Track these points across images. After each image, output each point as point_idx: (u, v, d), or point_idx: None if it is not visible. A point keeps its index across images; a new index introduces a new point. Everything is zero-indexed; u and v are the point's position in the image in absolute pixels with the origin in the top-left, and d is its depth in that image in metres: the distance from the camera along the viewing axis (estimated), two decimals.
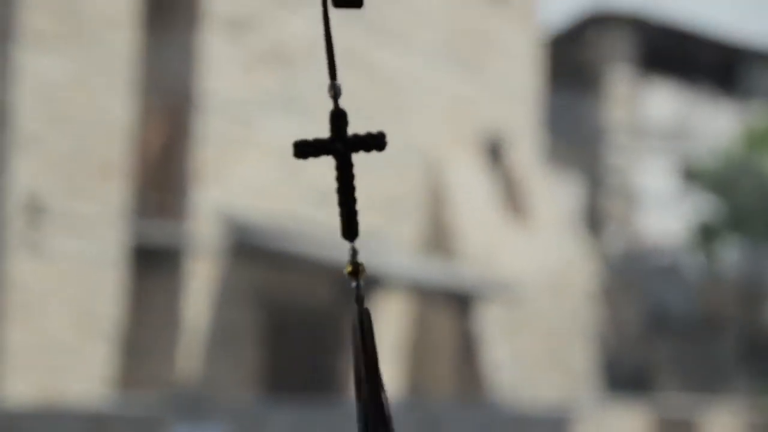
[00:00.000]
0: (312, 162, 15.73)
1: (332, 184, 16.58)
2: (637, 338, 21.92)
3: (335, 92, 1.43)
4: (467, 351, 17.04)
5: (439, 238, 17.80)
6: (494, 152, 19.47)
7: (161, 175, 14.57)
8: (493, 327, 17.43)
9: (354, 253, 1.46)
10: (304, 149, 1.44)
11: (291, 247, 14.59)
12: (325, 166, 16.05)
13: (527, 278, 18.46)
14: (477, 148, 19.00)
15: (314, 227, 15.50)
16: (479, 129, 19.03)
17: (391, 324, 16.89)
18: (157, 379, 13.98)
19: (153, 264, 14.24)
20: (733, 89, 29.31)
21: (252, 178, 15.14)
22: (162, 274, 14.32)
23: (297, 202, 15.40)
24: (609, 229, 26.97)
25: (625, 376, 21.11)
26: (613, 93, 28.32)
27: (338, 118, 1.44)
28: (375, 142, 1.44)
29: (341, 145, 1.44)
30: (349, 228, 1.45)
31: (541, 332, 18.60)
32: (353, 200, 1.44)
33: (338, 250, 15.14)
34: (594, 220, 26.99)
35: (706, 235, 22.89)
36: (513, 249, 18.75)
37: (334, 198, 16.12)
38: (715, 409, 17.35)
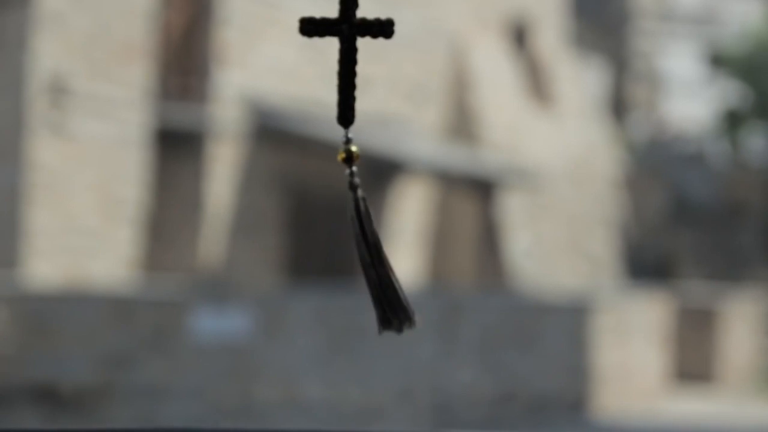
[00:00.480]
0: (334, 43, 15.53)
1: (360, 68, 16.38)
2: (660, 226, 21.87)
3: None
4: (489, 238, 17.04)
5: (462, 123, 17.67)
6: (519, 37, 19.22)
7: (184, 57, 14.43)
8: (515, 214, 17.40)
9: (348, 139, 1.43)
10: (310, 27, 1.41)
11: (315, 131, 14.51)
12: None
13: (550, 165, 18.37)
14: (501, 32, 18.75)
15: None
16: (504, 13, 18.76)
17: (414, 210, 16.87)
18: (181, 263, 14.04)
19: (176, 147, 14.20)
20: None
21: (276, 60, 14.99)
22: (185, 158, 14.28)
23: (322, 86, 15.27)
24: (634, 116, 26.78)
25: (647, 265, 21.11)
26: None
27: (348, 0, 1.41)
28: (382, 28, 1.40)
29: (347, 27, 1.41)
30: (345, 114, 1.42)
31: (564, 219, 18.56)
32: (353, 86, 1.42)
33: (361, 135, 15.05)
34: (619, 106, 26.79)
35: (732, 122, 22.67)
36: (537, 135, 18.63)
37: (359, 81, 15.97)
38: (735, 297, 17.37)
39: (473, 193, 17.12)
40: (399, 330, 1.46)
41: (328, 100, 12.97)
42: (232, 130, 14.43)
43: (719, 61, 25.38)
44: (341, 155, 1.42)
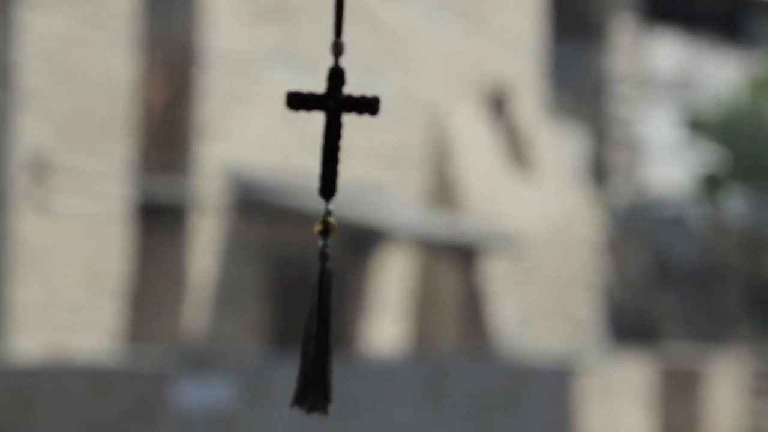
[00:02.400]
0: (315, 115, 15.70)
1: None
2: (642, 288, 21.98)
3: (338, 50, 1.43)
4: (472, 305, 17.11)
5: (442, 191, 17.81)
6: (498, 104, 19.44)
7: (165, 131, 14.57)
8: (497, 280, 17.48)
9: (327, 212, 1.45)
10: (297, 101, 1.43)
11: (298, 202, 14.62)
12: None
13: (532, 230, 18.49)
14: (480, 100, 18.97)
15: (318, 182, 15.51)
16: (482, 80, 18.99)
17: (396, 277, 16.94)
18: (164, 335, 14.06)
19: (158, 220, 14.28)
20: (738, 38, 29.12)
21: (257, 133, 15.14)
22: (167, 231, 14.36)
23: (303, 157, 15.41)
24: (614, 180, 26.95)
25: (630, 326, 21.19)
26: (617, 42, 28.16)
27: (335, 76, 1.44)
28: (368, 105, 1.43)
29: (333, 103, 1.43)
30: (327, 187, 1.44)
31: (546, 284, 18.65)
32: (336, 160, 1.43)
33: (342, 205, 15.16)
34: (599, 171, 26.92)
35: (711, 185, 22.87)
36: (517, 201, 18.77)
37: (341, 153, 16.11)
38: (720, 358, 17.43)
39: (456, 260, 17.21)
40: (309, 410, 1.46)
41: (310, 170, 13.17)
42: (214, 202, 14.53)
43: (697, 126, 25.58)
44: (317, 227, 1.45)
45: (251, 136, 15.07)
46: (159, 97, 14.46)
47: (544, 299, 18.53)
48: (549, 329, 18.45)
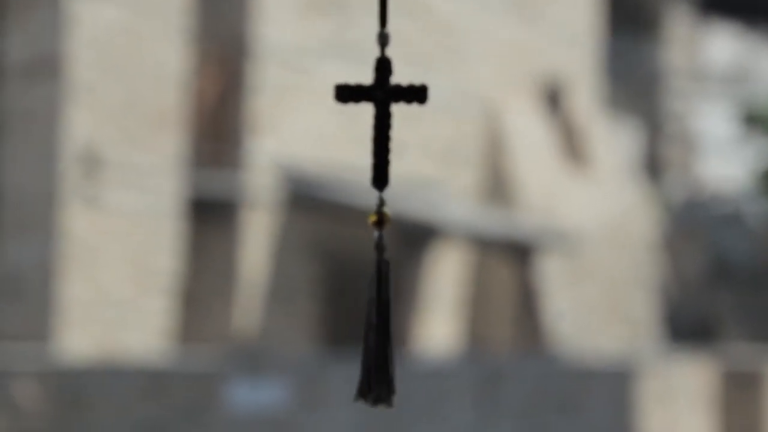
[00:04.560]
0: (367, 109, 15.44)
1: (394, 132, 16.27)
2: (700, 288, 21.53)
3: (383, 40, 1.43)
4: (527, 303, 16.78)
5: (497, 187, 17.49)
6: (553, 98, 19.08)
7: (217, 124, 14.35)
8: (553, 278, 17.15)
9: (381, 202, 1.46)
10: (345, 93, 1.44)
11: (349, 197, 14.35)
12: None
13: (587, 228, 18.14)
14: (535, 94, 18.62)
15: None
16: (537, 74, 18.64)
17: (450, 275, 16.65)
18: (216, 333, 13.85)
19: (209, 216, 14.07)
20: None
21: (308, 127, 14.89)
22: (218, 227, 14.15)
23: (355, 152, 15.14)
24: (669, 177, 26.52)
25: (687, 327, 20.75)
26: (673, 36, 27.75)
27: (382, 65, 1.44)
28: (416, 94, 1.43)
29: (381, 93, 1.43)
30: (380, 177, 1.45)
31: (602, 283, 18.29)
32: (387, 150, 1.44)
33: (395, 200, 14.89)
34: (654, 167, 26.52)
35: None
36: (573, 198, 18.42)
37: (393, 146, 15.83)
38: None
39: (510, 257, 16.89)
40: (373, 403, 1.45)
41: (362, 164, 12.95)
42: (265, 197, 14.30)
43: (755, 119, 25.11)
44: (372, 218, 1.45)
45: (302, 130, 14.82)
46: (211, 91, 14.25)
47: (600, 298, 18.17)
48: (604, 328, 18.08)
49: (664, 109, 27.78)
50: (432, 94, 17.21)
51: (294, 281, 14.58)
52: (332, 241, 15.08)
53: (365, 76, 16.73)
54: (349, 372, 11.20)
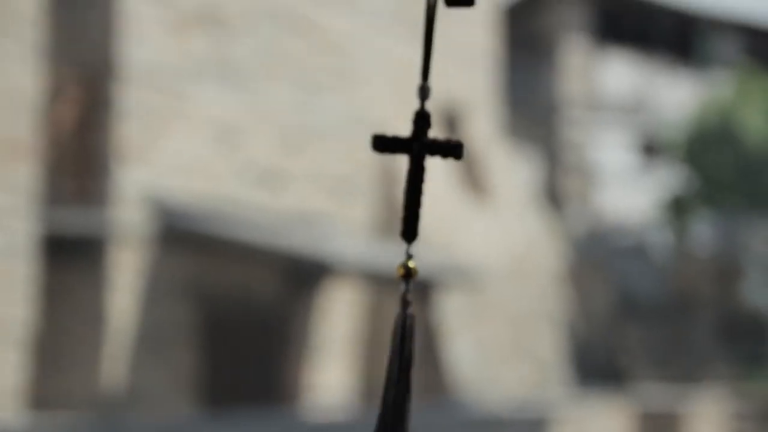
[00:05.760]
0: (249, 136, 14.07)
1: (273, 163, 14.95)
2: (607, 323, 20.47)
3: (424, 94, 1.51)
4: (427, 343, 15.48)
5: (392, 219, 16.23)
6: (451, 124, 17.92)
7: (78, 155, 12.85)
8: (454, 316, 15.89)
9: (409, 256, 1.47)
10: (382, 144, 1.51)
11: (228, 232, 12.93)
12: (264, 142, 14.39)
13: (489, 261, 16.94)
14: (432, 119, 17.42)
15: (254, 210, 13.85)
16: (434, 100, 17.46)
17: (342, 314, 15.30)
18: (78, 391, 12.29)
19: (72, 256, 12.54)
20: (690, 59, 28.19)
21: (182, 155, 13.45)
22: (82, 268, 12.62)
23: (234, 182, 13.74)
24: (569, 208, 25.63)
25: (596, 364, 19.64)
26: (569, 64, 27.13)
27: (422, 119, 1.52)
28: (452, 149, 1.50)
29: (417, 146, 1.51)
30: (409, 230, 1.47)
31: (506, 319, 17.08)
32: (419, 203, 1.48)
33: (281, 235, 13.51)
34: (554, 198, 25.68)
35: (677, 209, 21.45)
36: (473, 230, 17.22)
37: (274, 177, 14.49)
38: (697, 399, 15.94)
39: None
40: None
41: (241, 196, 11.30)
42: (134, 233, 12.82)
43: (653, 150, 24.45)
44: (400, 270, 1.46)
45: (176, 159, 13.37)
46: (70, 117, 12.74)
47: (504, 336, 16.94)
48: (510, 368, 16.84)
49: (561, 138, 27.04)
50: (320, 119, 15.94)
51: (168, 327, 13.08)
52: (210, 281, 13.61)
53: (243, 99, 15.35)
54: None
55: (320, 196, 15.37)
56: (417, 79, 17.16)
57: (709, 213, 20.92)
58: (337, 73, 15.78)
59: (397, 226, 16.30)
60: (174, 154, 13.34)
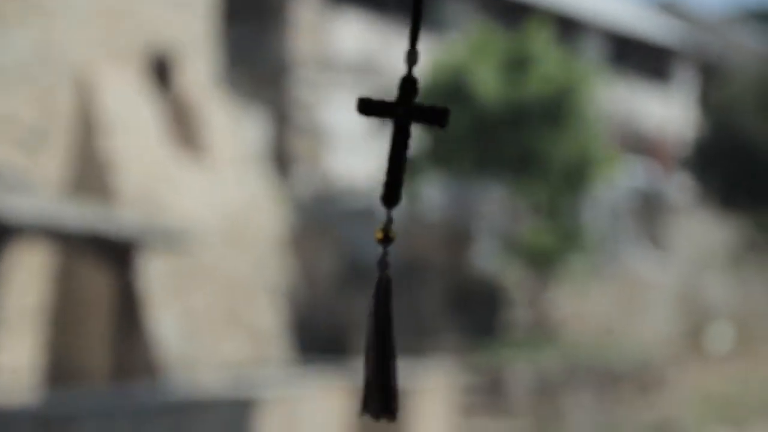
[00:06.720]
0: None
1: None
2: (333, 291, 19.15)
3: (412, 59, 1.51)
4: (128, 313, 13.68)
5: (90, 175, 14.36)
6: (161, 72, 16.11)
7: None
8: (159, 282, 14.15)
9: (390, 220, 1.49)
10: (367, 108, 1.51)
11: None
12: None
13: (202, 223, 15.27)
14: (139, 66, 15.59)
15: None
16: (142, 43, 15.63)
17: (27, 281, 13.35)
18: None
19: None
20: (425, 20, 27.40)
21: None
22: None
23: None
24: (297, 170, 24.31)
25: (319, 336, 18.28)
26: (299, 21, 25.91)
27: (408, 84, 1.52)
28: (437, 116, 1.51)
29: (403, 111, 1.51)
30: (390, 196, 1.51)
31: (220, 287, 15.46)
32: (401, 169, 1.53)
33: None
34: (281, 160, 24.33)
35: (408, 171, 20.35)
36: (185, 188, 15.51)
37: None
38: (425, 373, 14.79)
39: (105, 259, 13.71)
40: (375, 416, 1.45)
41: None
42: None
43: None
44: (379, 234, 1.48)
45: None
46: None
47: (217, 305, 15.32)
48: (224, 342, 15.24)
49: (291, 99, 25.76)
50: (8, 58, 13.84)
51: None
52: None
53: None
54: None
55: (6, 147, 13.42)
56: (123, 22, 15.32)
57: (441, 176, 19.90)
58: (28, 6, 13.80)
59: (96, 182, 14.44)
60: None
